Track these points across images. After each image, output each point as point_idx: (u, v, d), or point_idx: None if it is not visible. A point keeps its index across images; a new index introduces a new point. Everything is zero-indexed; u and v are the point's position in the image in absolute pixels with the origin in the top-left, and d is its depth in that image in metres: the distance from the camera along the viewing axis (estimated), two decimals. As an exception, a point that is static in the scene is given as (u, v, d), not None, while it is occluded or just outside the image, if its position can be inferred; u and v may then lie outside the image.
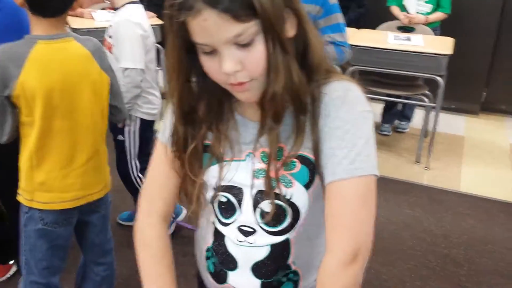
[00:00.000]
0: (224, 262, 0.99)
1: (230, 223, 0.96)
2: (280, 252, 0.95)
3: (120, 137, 2.46)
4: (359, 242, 0.82)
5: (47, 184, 1.63)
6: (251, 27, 0.75)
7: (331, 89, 0.85)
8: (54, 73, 1.54)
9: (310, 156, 0.87)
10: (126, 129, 2.43)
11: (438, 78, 3.38)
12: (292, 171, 0.88)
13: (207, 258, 1.04)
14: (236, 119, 0.93)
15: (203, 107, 0.90)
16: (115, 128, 2.43)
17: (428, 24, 3.92)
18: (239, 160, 0.92)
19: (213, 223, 1.00)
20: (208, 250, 1.04)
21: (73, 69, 1.58)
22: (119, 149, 2.50)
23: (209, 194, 0.97)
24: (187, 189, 0.96)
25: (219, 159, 0.92)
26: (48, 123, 1.56)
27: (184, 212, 2.72)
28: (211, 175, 0.93)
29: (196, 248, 1.13)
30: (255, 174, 0.91)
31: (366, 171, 0.83)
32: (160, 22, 4.11)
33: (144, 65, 2.29)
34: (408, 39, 3.62)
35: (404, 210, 3.05)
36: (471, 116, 4.64)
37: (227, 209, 0.95)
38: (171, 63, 0.84)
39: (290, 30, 0.81)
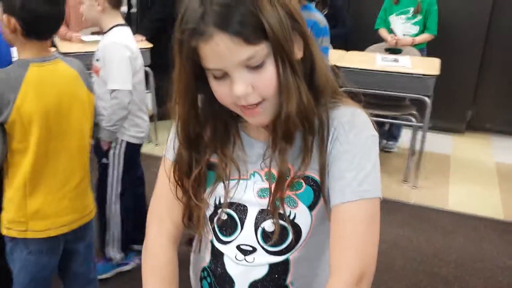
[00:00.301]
0: (220, 281, 0.99)
1: (229, 242, 0.97)
2: (279, 272, 0.95)
3: (104, 160, 2.43)
4: (366, 264, 0.83)
5: (42, 211, 1.59)
6: (261, 50, 0.77)
7: (339, 113, 0.88)
8: (49, 95, 1.54)
9: (316, 177, 0.89)
10: (111, 152, 2.40)
11: (426, 99, 3.45)
12: (297, 192, 0.90)
13: (203, 278, 1.04)
14: (241, 138, 0.94)
15: (208, 132, 0.92)
16: (99, 151, 2.40)
17: (415, 45, 4.01)
18: (244, 179, 0.93)
19: (211, 241, 1.00)
20: (204, 270, 1.04)
21: (65, 90, 1.59)
22: (102, 172, 2.46)
23: (209, 212, 0.97)
24: (191, 211, 0.97)
25: (224, 179, 0.93)
26: (44, 147, 1.55)
27: (137, 260, 2.64)
28: (216, 194, 0.94)
29: (191, 269, 1.13)
30: (259, 193, 0.92)
31: (373, 193, 0.85)
32: (149, 45, 4.15)
33: (132, 87, 2.28)
34: (396, 60, 3.69)
35: (394, 229, 3.08)
36: (457, 135, 4.72)
37: (228, 227, 0.96)
38: (178, 88, 0.86)
39: (298, 53, 0.83)
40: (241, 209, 0.94)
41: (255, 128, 0.93)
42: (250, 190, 0.93)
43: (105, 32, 2.36)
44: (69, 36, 4.08)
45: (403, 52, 3.99)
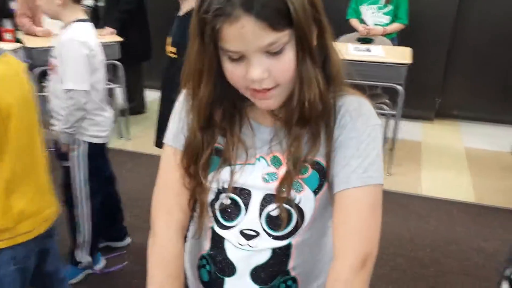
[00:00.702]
0: (221, 268, 1.00)
1: (232, 227, 0.97)
2: (280, 256, 0.96)
3: (65, 163, 2.33)
4: (369, 248, 0.86)
5: (27, 209, 1.51)
6: (283, 36, 0.78)
7: (346, 102, 0.90)
8: (16, 88, 1.47)
9: (322, 162, 0.90)
10: (72, 154, 2.30)
11: (398, 87, 3.51)
12: (303, 176, 0.91)
13: (201, 266, 1.04)
14: (248, 123, 0.94)
15: (219, 112, 0.91)
16: (60, 154, 2.31)
17: (386, 35, 4.07)
18: (250, 164, 0.93)
19: (211, 227, 1.00)
20: (202, 258, 1.03)
21: (24, 82, 1.53)
22: (66, 175, 2.36)
23: (210, 197, 0.97)
24: (195, 199, 0.96)
25: (231, 163, 0.93)
26: (21, 142, 1.48)
27: (103, 262, 2.64)
28: (221, 178, 0.94)
29: (186, 258, 1.11)
30: (265, 177, 0.93)
31: (377, 180, 0.88)
32: (118, 38, 4.10)
33: (89, 86, 2.19)
34: (368, 50, 3.74)
35: (371, 215, 3.14)
36: (427, 123, 4.84)
37: (231, 212, 0.96)
38: (199, 68, 0.85)
39: (314, 40, 0.84)
40: (245, 194, 0.94)
41: (260, 114, 0.94)
42: (255, 175, 0.93)
43: (65, 27, 2.24)
44: (33, 31, 4.00)
45: (374, 42, 4.05)
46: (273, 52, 0.79)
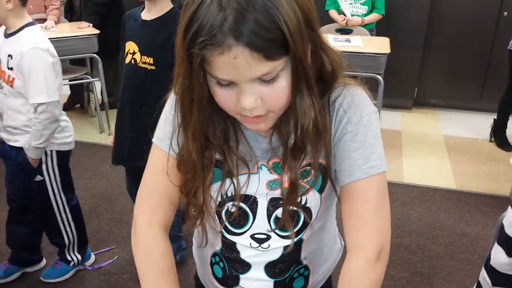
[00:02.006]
0: (235, 265, 1.00)
1: (242, 233, 0.96)
2: (293, 251, 0.97)
3: (38, 178, 2.22)
4: (383, 239, 0.86)
5: None
6: (279, 65, 0.72)
7: (340, 96, 0.87)
8: None
9: (322, 161, 0.88)
10: (44, 167, 2.20)
11: (379, 77, 3.56)
12: (307, 179, 0.89)
13: (214, 263, 1.04)
14: (244, 133, 0.90)
15: (212, 131, 0.86)
16: (31, 170, 2.19)
17: (364, 25, 4.11)
18: (253, 173, 0.91)
19: (221, 233, 0.99)
20: (214, 255, 1.03)
21: None
22: (39, 190, 2.25)
23: (214, 206, 0.94)
24: (193, 202, 0.93)
25: (233, 175, 0.90)
26: None
27: (93, 257, 2.62)
28: (223, 189, 0.91)
29: (195, 253, 1.12)
30: (268, 185, 0.91)
31: (380, 168, 0.86)
32: (95, 31, 4.04)
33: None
34: (348, 40, 3.78)
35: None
36: (405, 111, 4.91)
37: (239, 219, 0.95)
38: (189, 98, 0.79)
39: (309, 59, 0.77)
40: (251, 201, 0.93)
41: None
42: (259, 184, 0.91)
43: (14, 32, 2.06)
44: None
45: (353, 33, 4.09)
46: (266, 80, 0.74)
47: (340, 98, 0.87)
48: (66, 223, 2.39)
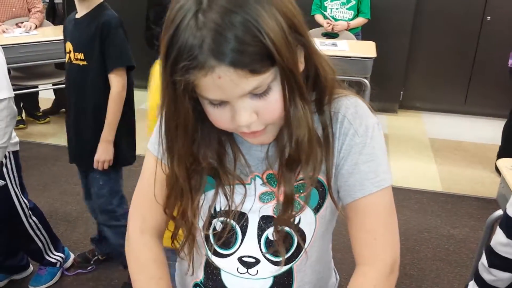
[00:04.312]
0: None
1: (229, 254, 0.91)
2: (283, 282, 0.92)
3: (1, 183, 2.13)
4: (395, 252, 0.85)
5: None
6: (267, 77, 0.69)
7: (342, 107, 0.84)
8: None
9: (321, 178, 0.85)
10: (4, 170, 2.11)
11: (365, 80, 3.58)
12: (301, 194, 0.84)
13: None
14: (237, 145, 0.86)
15: (203, 152, 0.82)
16: None
17: (350, 29, 4.13)
18: (246, 184, 0.87)
19: (206, 255, 0.94)
20: (196, 285, 0.98)
21: None
22: (2, 195, 2.16)
23: (202, 222, 0.90)
24: (180, 223, 0.90)
25: (224, 185, 0.86)
26: None
27: (72, 257, 2.59)
28: (215, 201, 0.87)
29: (178, 280, 1.07)
30: (261, 197, 0.87)
31: (389, 182, 0.84)
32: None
33: None
34: (335, 44, 3.79)
35: (344, 208, 3.19)
36: (391, 115, 4.94)
37: (227, 239, 0.90)
38: (173, 124, 0.77)
39: (301, 65, 0.76)
40: (241, 218, 0.88)
41: None
42: (251, 195, 0.87)
43: None
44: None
45: (339, 37, 4.11)
46: (258, 94, 0.71)
47: (342, 109, 0.84)
48: (34, 226, 2.31)
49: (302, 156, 0.79)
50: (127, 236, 0.97)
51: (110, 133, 2.14)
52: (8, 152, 2.11)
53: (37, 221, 2.32)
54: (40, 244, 2.38)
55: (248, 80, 0.67)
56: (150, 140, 0.94)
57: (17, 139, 2.17)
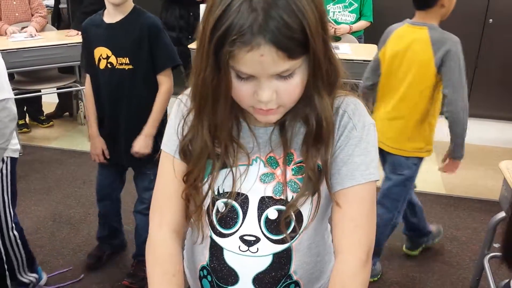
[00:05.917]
0: (223, 278, 0.99)
1: (231, 234, 0.96)
2: (282, 261, 0.97)
3: None
4: (372, 241, 0.91)
5: None
6: (297, 63, 0.78)
7: (344, 103, 0.92)
8: None
9: (319, 162, 0.90)
10: None
11: (367, 83, 3.58)
12: (300, 176, 0.91)
13: (203, 277, 1.03)
14: (242, 125, 0.94)
15: (220, 124, 0.90)
16: None
17: (352, 33, 4.14)
18: (246, 165, 0.93)
19: (210, 236, 0.99)
20: (203, 268, 1.03)
21: None
22: None
23: (206, 203, 0.96)
24: (193, 194, 0.96)
25: (227, 165, 0.93)
26: None
27: (45, 278, 2.45)
28: (218, 181, 0.94)
29: (186, 266, 1.11)
30: (261, 178, 0.93)
31: (376, 176, 0.91)
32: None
33: None
34: (337, 47, 3.80)
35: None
36: (394, 117, 4.93)
37: (229, 219, 0.96)
38: (211, 91, 0.82)
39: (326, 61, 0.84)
40: (242, 198, 0.94)
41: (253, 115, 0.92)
42: (252, 176, 0.93)
43: None
44: (3, 30, 3.92)
45: (341, 40, 4.12)
46: (284, 76, 0.79)
47: (343, 105, 0.92)
48: (13, 241, 2.14)
49: (325, 135, 0.88)
50: (149, 233, 1.01)
51: (154, 128, 2.20)
52: (6, 157, 2.04)
53: (17, 236, 2.17)
54: (14, 262, 2.20)
55: (284, 62, 0.76)
56: (163, 141, 1.01)
57: (18, 147, 2.10)
